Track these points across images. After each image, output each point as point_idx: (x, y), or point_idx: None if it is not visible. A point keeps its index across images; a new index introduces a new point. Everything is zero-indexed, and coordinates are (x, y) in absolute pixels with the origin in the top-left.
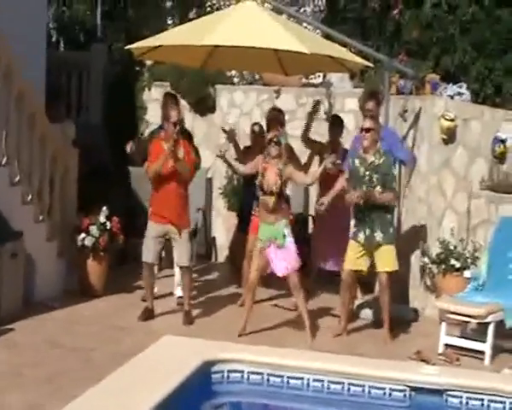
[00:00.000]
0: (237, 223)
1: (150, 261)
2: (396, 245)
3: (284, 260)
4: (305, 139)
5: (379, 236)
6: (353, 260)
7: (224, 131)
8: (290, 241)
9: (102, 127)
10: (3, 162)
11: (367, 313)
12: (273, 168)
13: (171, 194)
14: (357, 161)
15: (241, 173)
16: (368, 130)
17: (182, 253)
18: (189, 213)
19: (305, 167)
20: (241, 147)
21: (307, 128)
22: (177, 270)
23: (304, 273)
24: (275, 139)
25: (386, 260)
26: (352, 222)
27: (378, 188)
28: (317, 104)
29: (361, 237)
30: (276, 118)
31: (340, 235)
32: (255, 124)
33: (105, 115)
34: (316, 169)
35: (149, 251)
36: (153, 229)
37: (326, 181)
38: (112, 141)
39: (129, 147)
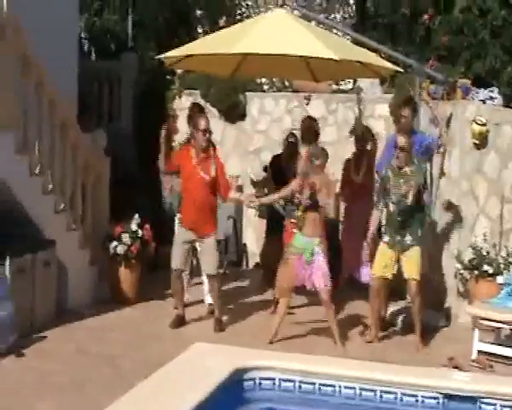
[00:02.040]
0: (267, 228)
1: (178, 267)
2: (428, 250)
3: (309, 274)
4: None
5: (408, 239)
6: (381, 266)
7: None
8: (319, 259)
9: (133, 136)
10: (37, 171)
11: (399, 321)
12: (308, 183)
13: (199, 201)
14: (390, 172)
15: (276, 201)
16: (402, 148)
17: (208, 261)
18: (217, 221)
19: (342, 188)
20: (271, 156)
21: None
22: (205, 278)
23: (334, 285)
24: (309, 157)
25: (413, 265)
26: (383, 226)
27: (410, 194)
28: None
29: (390, 239)
30: (310, 127)
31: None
32: (291, 135)
33: (135, 124)
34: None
35: (177, 257)
36: (181, 234)
37: (353, 189)
38: (142, 150)
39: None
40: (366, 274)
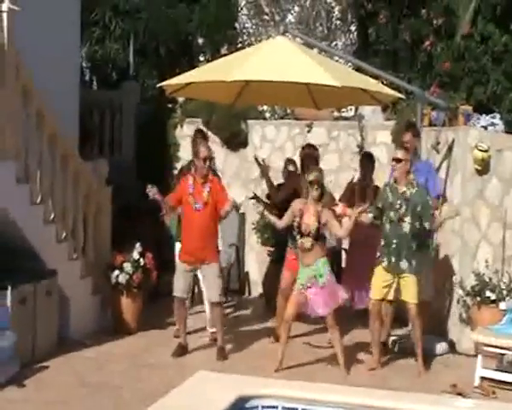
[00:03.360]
0: (271, 256)
1: (180, 295)
2: (431, 276)
3: (324, 299)
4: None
5: (404, 264)
6: (379, 288)
7: (258, 162)
8: (329, 280)
9: (135, 165)
10: (38, 201)
11: (401, 347)
12: (311, 210)
13: (197, 229)
14: (387, 189)
15: (278, 228)
16: (399, 160)
17: (211, 288)
18: (218, 248)
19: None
20: (275, 181)
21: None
22: (207, 305)
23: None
24: (317, 181)
25: (410, 289)
26: (379, 248)
27: (407, 219)
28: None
29: (386, 263)
30: (310, 154)
31: (370, 273)
32: (289, 161)
33: (137, 153)
34: (349, 222)
35: (179, 285)
36: (182, 265)
37: None
38: (143, 179)
39: (149, 192)
40: (364, 299)
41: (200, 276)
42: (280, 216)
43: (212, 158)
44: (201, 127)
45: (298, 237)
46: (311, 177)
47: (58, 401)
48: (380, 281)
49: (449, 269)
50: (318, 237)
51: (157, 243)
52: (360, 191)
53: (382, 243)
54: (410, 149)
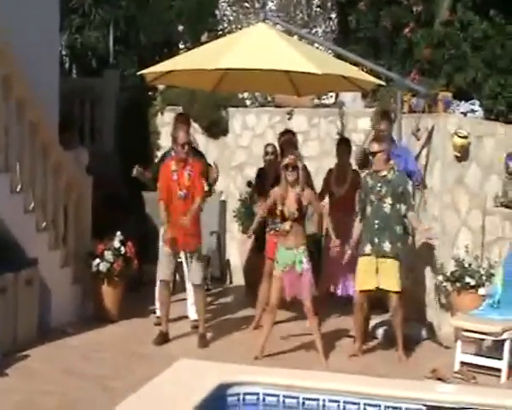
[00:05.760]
0: (253, 244)
1: (165, 278)
2: (409, 263)
3: (300, 286)
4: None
5: (387, 246)
6: (363, 280)
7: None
8: (307, 268)
9: (115, 154)
10: (18, 189)
11: (382, 333)
12: (292, 194)
13: (182, 216)
14: (367, 177)
15: (261, 216)
16: (374, 154)
17: (194, 271)
18: (201, 233)
19: (320, 196)
20: (254, 171)
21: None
22: (190, 292)
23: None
24: (292, 164)
25: (392, 278)
26: (361, 237)
27: (387, 200)
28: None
29: (368, 248)
30: (289, 140)
31: (351, 259)
32: (268, 145)
33: (118, 142)
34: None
35: (163, 268)
36: (165, 249)
37: (335, 202)
38: (125, 167)
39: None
40: (349, 287)
41: (183, 260)
42: (262, 200)
43: (191, 141)
44: (183, 112)
45: (279, 221)
46: (286, 161)
47: (43, 390)
48: (363, 272)
49: (429, 255)
50: (299, 220)
51: (139, 232)
52: (338, 176)
53: (363, 229)
54: (386, 138)
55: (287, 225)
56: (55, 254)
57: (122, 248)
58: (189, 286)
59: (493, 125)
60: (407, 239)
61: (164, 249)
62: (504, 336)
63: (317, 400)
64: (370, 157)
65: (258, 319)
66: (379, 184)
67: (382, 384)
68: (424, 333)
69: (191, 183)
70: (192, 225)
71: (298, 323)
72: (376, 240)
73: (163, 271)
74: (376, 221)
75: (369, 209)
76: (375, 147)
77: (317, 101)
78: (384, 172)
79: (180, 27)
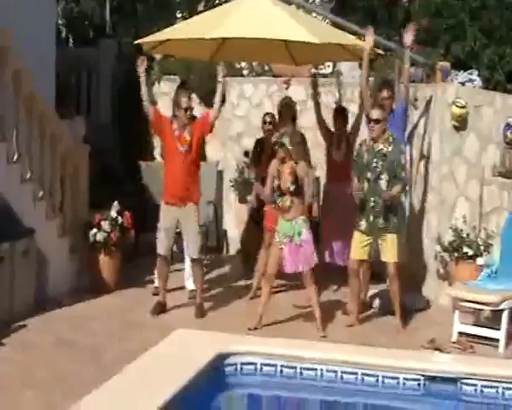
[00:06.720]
0: (250, 214)
1: (163, 253)
2: (407, 234)
3: (299, 258)
4: (321, 123)
5: (381, 223)
6: (358, 249)
7: None
8: (306, 239)
9: (112, 125)
10: (14, 159)
11: (379, 303)
12: (287, 168)
13: (181, 170)
14: (363, 149)
15: (266, 197)
16: (377, 121)
17: (192, 244)
18: (200, 190)
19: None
20: (251, 141)
21: (318, 108)
22: (187, 263)
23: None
24: (278, 142)
25: (390, 250)
26: (357, 212)
27: (384, 176)
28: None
29: (364, 225)
30: (288, 105)
31: (349, 227)
32: (266, 114)
33: (115, 112)
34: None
35: (162, 243)
36: (165, 216)
37: (334, 169)
38: (122, 139)
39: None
40: (340, 258)
41: (182, 231)
42: (260, 172)
43: (192, 108)
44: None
45: (277, 195)
46: (274, 138)
47: (41, 361)
48: (358, 242)
49: (427, 225)
50: (297, 193)
51: (137, 202)
52: (337, 140)
53: (358, 206)
54: (387, 107)
55: (287, 201)
56: (52, 224)
57: (119, 219)
58: (187, 257)
59: (491, 94)
60: (403, 214)
61: (161, 221)
62: (502, 306)
63: (315, 370)
64: (370, 124)
65: (256, 288)
66: (375, 160)
67: (380, 354)
68: (422, 303)
69: (194, 139)
70: (192, 180)
71: (296, 293)
72: (372, 218)
73: (162, 246)
74: (372, 198)
75: (365, 186)
76: (377, 115)
77: (314, 70)
78: (380, 146)
79: None
